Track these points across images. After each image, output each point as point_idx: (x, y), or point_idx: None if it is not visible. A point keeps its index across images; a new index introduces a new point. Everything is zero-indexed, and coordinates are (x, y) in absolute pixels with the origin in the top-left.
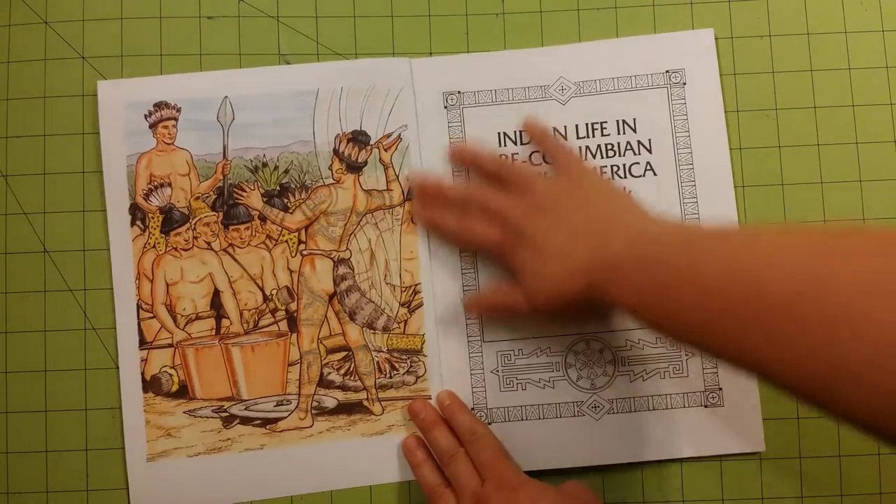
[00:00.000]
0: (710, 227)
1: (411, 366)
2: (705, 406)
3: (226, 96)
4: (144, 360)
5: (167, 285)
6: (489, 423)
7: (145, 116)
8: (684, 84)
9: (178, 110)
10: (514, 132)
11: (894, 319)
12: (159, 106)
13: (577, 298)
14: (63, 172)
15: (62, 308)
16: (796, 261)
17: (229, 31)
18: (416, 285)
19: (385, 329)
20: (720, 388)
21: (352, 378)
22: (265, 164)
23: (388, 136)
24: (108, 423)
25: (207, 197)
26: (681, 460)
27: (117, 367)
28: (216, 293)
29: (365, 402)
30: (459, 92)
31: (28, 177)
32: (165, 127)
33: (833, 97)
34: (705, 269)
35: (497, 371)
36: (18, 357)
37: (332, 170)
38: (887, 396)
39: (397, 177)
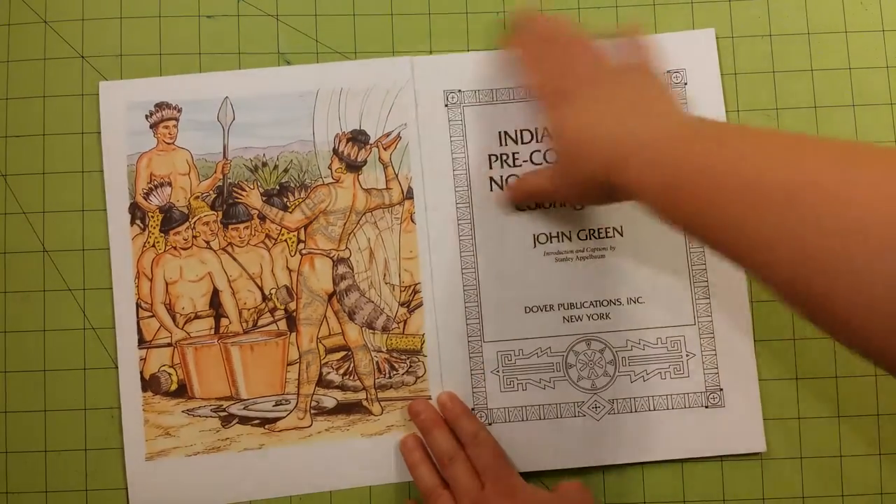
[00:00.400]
0: (732, 127)
1: (411, 366)
2: (706, 407)
3: (226, 97)
4: (143, 360)
5: (166, 284)
6: (489, 424)
7: (146, 116)
8: (685, 84)
9: (179, 110)
10: (515, 131)
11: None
12: (160, 106)
13: (595, 176)
14: (62, 172)
15: (61, 308)
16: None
17: (229, 31)
18: (416, 285)
19: (384, 329)
20: (721, 389)
21: (351, 378)
22: (265, 164)
23: (388, 134)
24: (108, 422)
25: (207, 196)
26: (682, 461)
27: (116, 367)
28: (215, 292)
29: (364, 403)
30: (460, 90)
31: (27, 176)
32: (166, 127)
33: (833, 97)
34: (715, 165)
35: (497, 371)
36: (17, 357)
37: (331, 169)
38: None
39: (396, 175)
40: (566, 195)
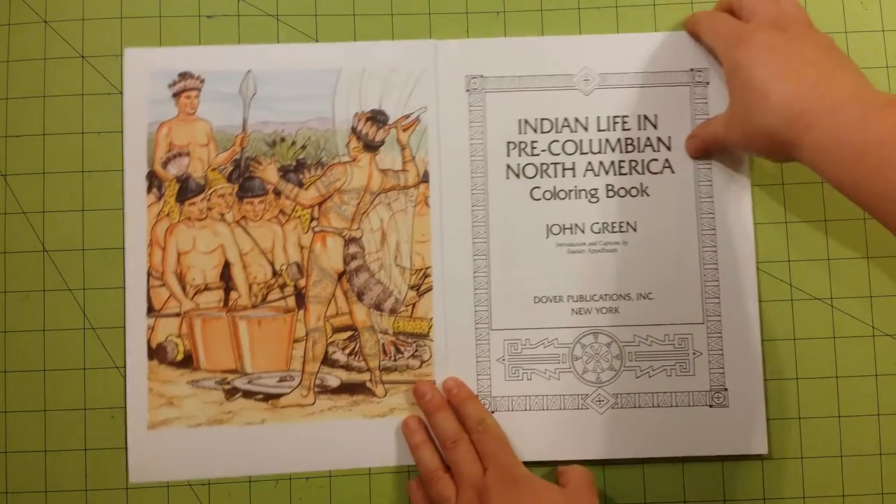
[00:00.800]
0: None
1: (416, 349)
2: (710, 406)
3: (249, 70)
4: (151, 328)
5: (178, 254)
6: (492, 412)
7: (169, 85)
8: (707, 84)
9: (202, 81)
10: (535, 120)
11: None
12: (184, 76)
13: (777, 131)
14: (63, 172)
15: (61, 308)
16: None
17: (229, 30)
18: (427, 269)
19: (392, 311)
20: (725, 389)
21: (356, 358)
22: (283, 139)
23: (407, 116)
24: (108, 422)
25: (224, 168)
26: (683, 459)
27: (117, 367)
28: (226, 265)
29: (368, 384)
30: (483, 76)
31: (27, 176)
32: (188, 97)
33: None
34: None
35: (503, 360)
36: (17, 357)
37: (348, 148)
38: None
39: (413, 158)
40: (738, 143)
